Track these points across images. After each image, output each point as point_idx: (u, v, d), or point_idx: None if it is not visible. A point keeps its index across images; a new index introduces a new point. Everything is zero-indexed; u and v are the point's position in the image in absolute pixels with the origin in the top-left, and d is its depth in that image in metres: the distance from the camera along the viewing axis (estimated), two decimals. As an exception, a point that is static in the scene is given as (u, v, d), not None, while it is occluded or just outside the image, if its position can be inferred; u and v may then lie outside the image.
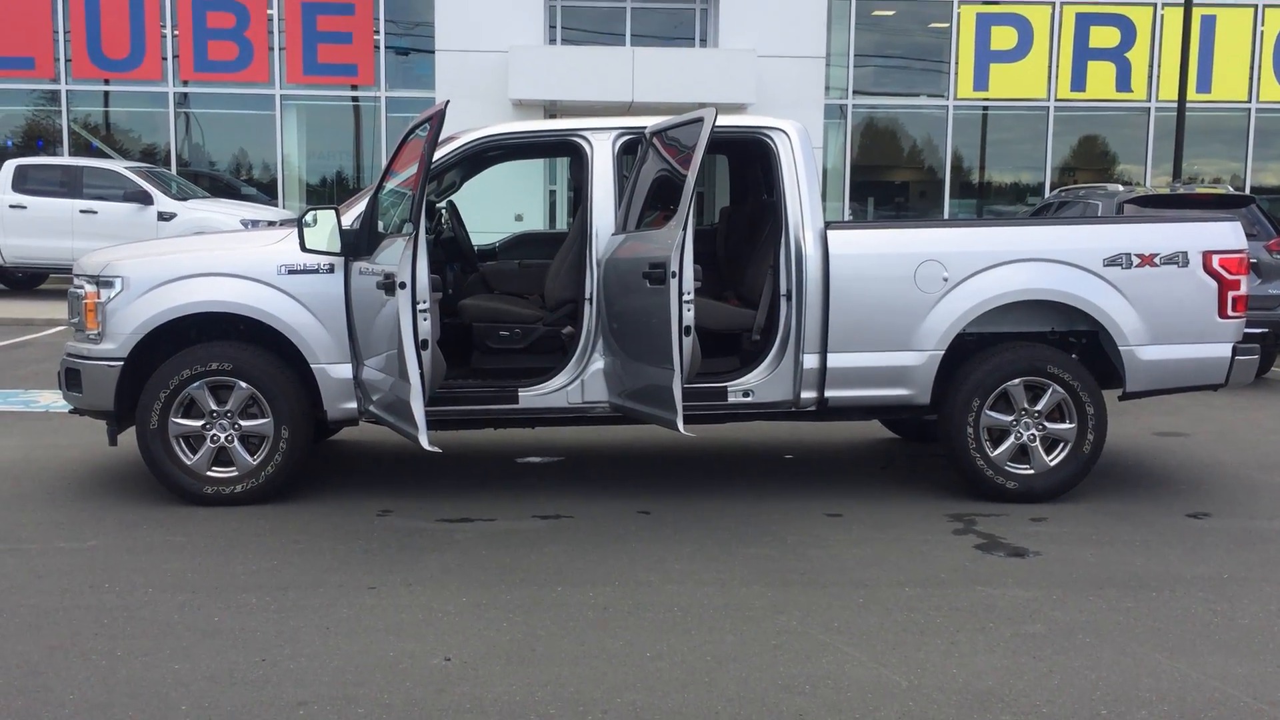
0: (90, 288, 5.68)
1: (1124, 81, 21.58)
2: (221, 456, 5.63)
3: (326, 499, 5.81)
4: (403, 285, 4.79)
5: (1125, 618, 4.23)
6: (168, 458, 5.58)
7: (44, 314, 13.59)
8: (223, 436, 5.60)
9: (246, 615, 4.17)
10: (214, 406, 5.59)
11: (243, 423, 5.61)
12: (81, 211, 15.32)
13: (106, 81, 21.21)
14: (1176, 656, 3.87)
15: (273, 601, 4.32)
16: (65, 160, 17.02)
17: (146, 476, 5.82)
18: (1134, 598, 4.45)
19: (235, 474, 5.62)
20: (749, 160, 6.83)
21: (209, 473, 5.62)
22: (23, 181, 15.56)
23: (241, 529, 5.25)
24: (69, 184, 15.64)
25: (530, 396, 5.75)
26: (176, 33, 20.85)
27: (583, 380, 5.76)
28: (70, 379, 5.74)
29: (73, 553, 4.92)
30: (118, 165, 16.48)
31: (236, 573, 4.65)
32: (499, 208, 15.07)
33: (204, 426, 5.60)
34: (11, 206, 15.39)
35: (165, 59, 20.91)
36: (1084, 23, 21.40)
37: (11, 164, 15.82)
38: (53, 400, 8.28)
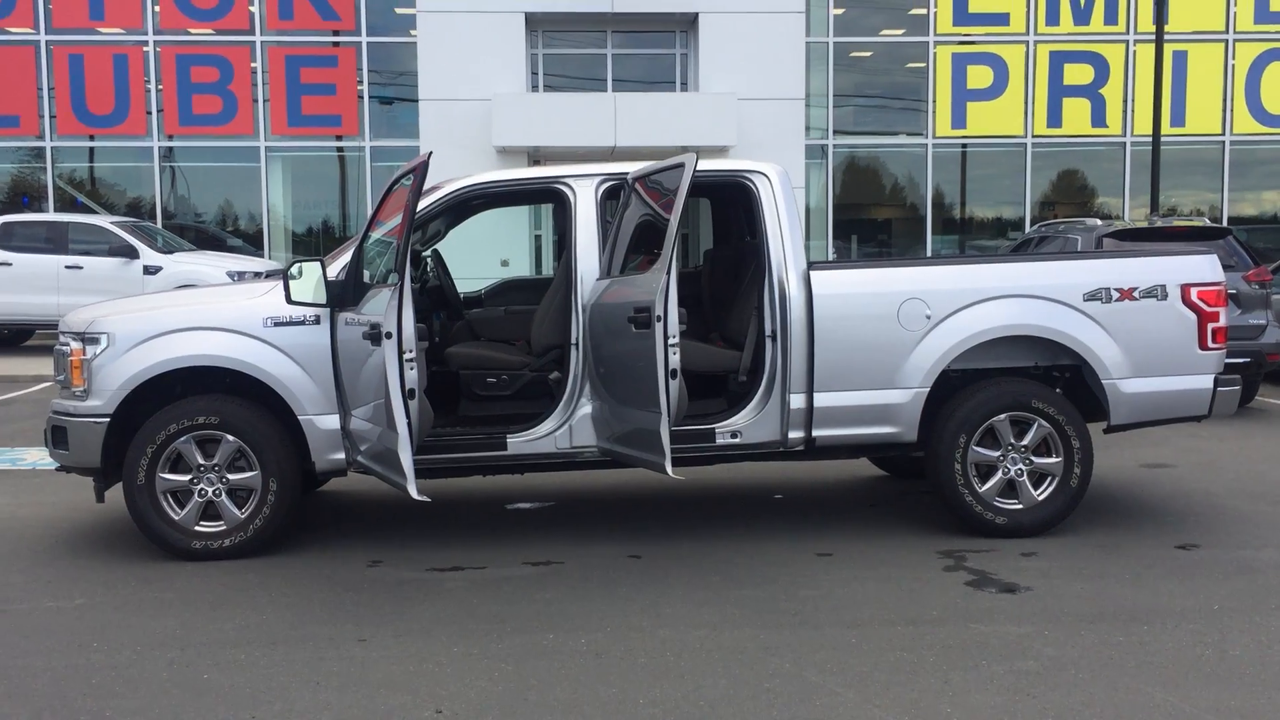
0: (76, 344, 5.67)
1: (1099, 117, 21.88)
2: (209, 511, 5.61)
3: (315, 551, 5.79)
4: (389, 335, 4.81)
5: (1117, 652, 4.23)
6: (155, 513, 5.55)
7: (30, 370, 13.54)
8: (210, 490, 5.59)
9: (236, 671, 4.14)
10: (201, 461, 5.57)
11: (230, 476, 5.59)
12: (67, 267, 15.31)
13: (91, 137, 21.31)
14: (1169, 690, 3.88)
15: (262, 656, 4.29)
16: (50, 216, 17.04)
17: (134, 533, 5.78)
18: (1125, 631, 4.45)
19: (223, 528, 5.59)
20: (731, 203, 6.89)
21: (197, 527, 5.59)
22: (8, 238, 15.55)
23: (230, 583, 5.22)
24: (54, 240, 15.64)
25: (518, 443, 5.75)
26: (160, 88, 20.99)
27: (570, 425, 5.77)
28: (56, 436, 5.72)
29: (60, 612, 4.88)
30: (103, 220, 16.49)
31: (225, 628, 4.62)
32: (484, 254, 15.11)
33: (191, 481, 5.58)
34: (-4, 264, 15.39)
35: (150, 114, 21.04)
36: (1058, 60, 21.72)
37: (-4, 221, 15.84)
38: (39, 458, 8.24)
